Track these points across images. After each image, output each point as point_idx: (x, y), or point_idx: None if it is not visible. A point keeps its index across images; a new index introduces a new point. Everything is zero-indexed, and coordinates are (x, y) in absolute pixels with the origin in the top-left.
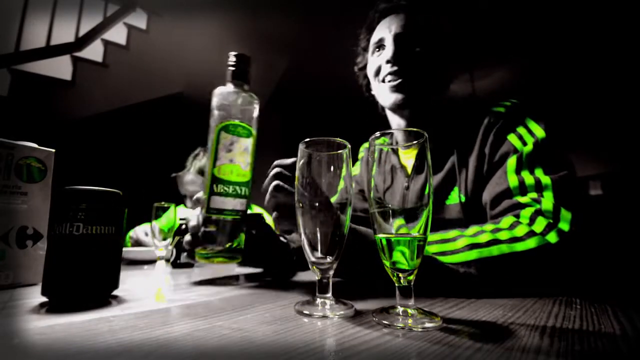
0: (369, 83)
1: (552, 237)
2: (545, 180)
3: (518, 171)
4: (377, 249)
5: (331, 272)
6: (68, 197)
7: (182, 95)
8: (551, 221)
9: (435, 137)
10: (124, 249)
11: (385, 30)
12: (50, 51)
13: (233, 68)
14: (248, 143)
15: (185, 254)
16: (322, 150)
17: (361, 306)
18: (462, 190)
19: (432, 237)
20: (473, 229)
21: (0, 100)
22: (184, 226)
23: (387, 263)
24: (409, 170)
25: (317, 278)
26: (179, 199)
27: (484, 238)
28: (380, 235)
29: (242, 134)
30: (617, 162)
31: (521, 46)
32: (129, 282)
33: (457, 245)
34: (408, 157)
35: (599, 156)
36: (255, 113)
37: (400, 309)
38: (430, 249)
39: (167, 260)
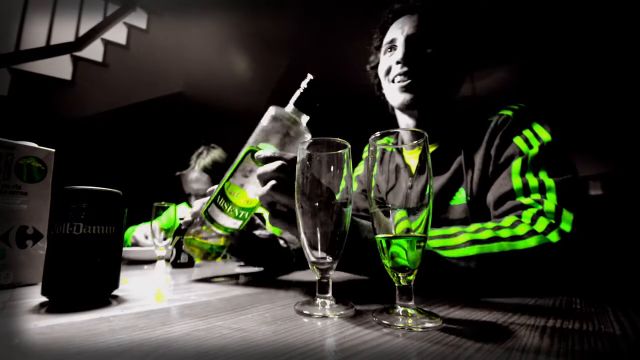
0: (380, 82)
1: (553, 237)
2: (549, 182)
3: (522, 173)
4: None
5: (331, 272)
6: (68, 197)
7: (182, 95)
8: (553, 222)
9: (443, 138)
10: (124, 248)
11: (398, 31)
12: (50, 51)
13: (300, 92)
14: None
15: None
16: (323, 150)
17: (361, 306)
18: (468, 190)
19: (433, 232)
20: (474, 226)
21: (0, 100)
22: (184, 226)
23: (387, 263)
24: (413, 170)
25: (317, 278)
26: (180, 199)
27: (485, 235)
28: (381, 236)
29: None
30: (617, 162)
31: (521, 46)
32: (129, 282)
33: (458, 241)
34: (412, 157)
35: (599, 156)
36: (294, 148)
37: (400, 309)
38: (431, 244)
39: (167, 260)
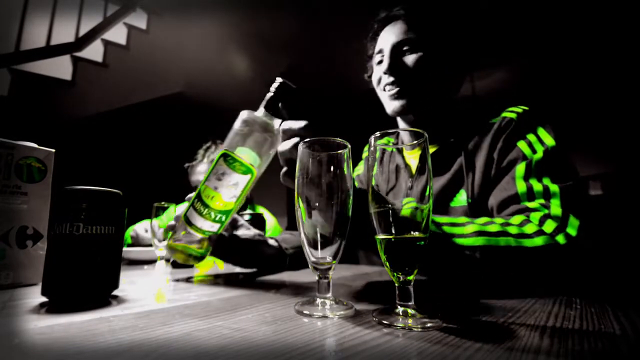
0: None
1: (560, 239)
2: (554, 188)
3: (526, 178)
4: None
5: (331, 272)
6: (68, 197)
7: (182, 95)
8: (560, 225)
9: (443, 138)
10: (124, 248)
11: (384, 41)
12: (50, 51)
13: (270, 94)
14: (240, 179)
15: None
16: (323, 151)
17: (361, 306)
18: (469, 192)
19: (442, 219)
20: (483, 219)
21: (0, 100)
22: (168, 230)
23: (386, 263)
24: (413, 170)
25: (317, 278)
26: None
27: (493, 228)
28: (381, 236)
29: (237, 170)
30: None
31: (521, 46)
32: (129, 282)
33: (465, 230)
34: (412, 157)
35: (599, 156)
36: (271, 151)
37: (400, 309)
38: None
39: (167, 260)
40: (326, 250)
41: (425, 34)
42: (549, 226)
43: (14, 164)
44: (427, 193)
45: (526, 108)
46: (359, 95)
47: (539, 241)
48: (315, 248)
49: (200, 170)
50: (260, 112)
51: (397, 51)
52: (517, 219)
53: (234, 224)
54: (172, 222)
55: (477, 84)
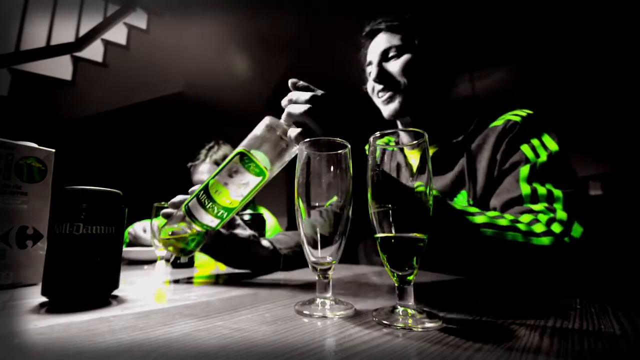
0: None
1: (566, 241)
2: (557, 192)
3: (530, 181)
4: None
5: (331, 272)
6: (68, 197)
7: (182, 95)
8: (565, 229)
9: (442, 139)
10: (124, 248)
11: (371, 53)
12: (50, 51)
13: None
14: (252, 180)
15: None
16: (323, 150)
17: (361, 306)
18: (471, 194)
19: (455, 205)
20: (494, 212)
21: (0, 100)
22: (162, 217)
23: (386, 263)
24: (414, 169)
25: (316, 278)
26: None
27: (502, 222)
28: (380, 235)
29: (251, 171)
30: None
31: (521, 46)
32: (129, 282)
33: (475, 220)
34: (413, 157)
35: (599, 156)
36: (285, 159)
37: (400, 309)
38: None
39: (167, 260)
40: (326, 250)
41: (409, 38)
42: (556, 228)
43: (14, 164)
44: (427, 191)
45: (530, 112)
46: (359, 95)
47: (545, 241)
48: (315, 248)
49: (202, 170)
50: (279, 121)
51: (383, 59)
52: (526, 217)
53: (231, 224)
54: (168, 210)
55: (477, 84)
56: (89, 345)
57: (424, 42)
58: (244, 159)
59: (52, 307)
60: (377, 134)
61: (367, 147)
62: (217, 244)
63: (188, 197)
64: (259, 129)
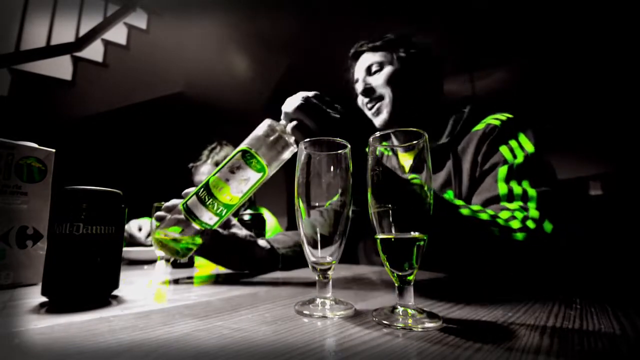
0: None
1: (538, 238)
2: (532, 192)
3: (507, 180)
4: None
5: (331, 272)
6: (68, 197)
7: (182, 95)
8: (537, 226)
9: (430, 143)
10: (124, 248)
11: (357, 72)
12: (50, 51)
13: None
14: (253, 176)
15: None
16: (323, 150)
17: (361, 306)
18: (456, 193)
19: (444, 195)
20: (477, 207)
21: (0, 100)
22: (157, 220)
23: (387, 262)
24: (407, 170)
25: (316, 278)
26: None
27: (483, 216)
28: (380, 236)
29: (253, 167)
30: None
31: (521, 46)
32: (129, 282)
33: (461, 212)
34: (406, 159)
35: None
36: (284, 157)
37: (400, 309)
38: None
39: (167, 260)
40: (326, 250)
41: (390, 54)
42: (530, 225)
43: (14, 164)
44: (425, 188)
45: (510, 116)
46: (359, 95)
47: (520, 236)
48: (315, 248)
49: (204, 171)
50: (278, 122)
51: (367, 74)
52: (505, 214)
53: (227, 224)
54: (162, 213)
55: (477, 84)
56: (89, 345)
57: (405, 56)
58: (246, 155)
59: (52, 307)
60: (377, 134)
61: (367, 148)
62: (214, 244)
63: (182, 200)
64: (260, 129)
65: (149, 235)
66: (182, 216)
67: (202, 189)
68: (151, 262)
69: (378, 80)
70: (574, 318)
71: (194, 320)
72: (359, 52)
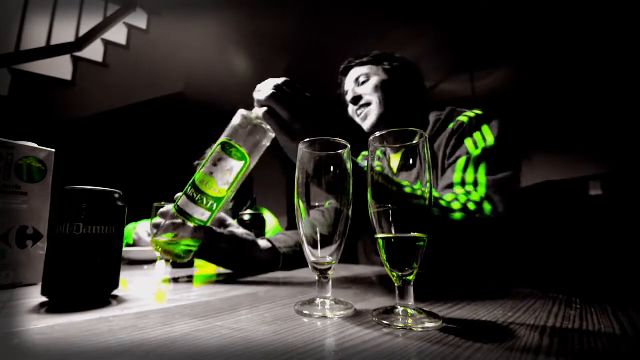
0: None
1: (477, 218)
2: (482, 179)
3: (464, 170)
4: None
5: (331, 272)
6: (68, 197)
7: (182, 95)
8: (477, 208)
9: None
10: (124, 248)
11: (347, 84)
12: (50, 51)
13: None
14: (235, 165)
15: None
16: (323, 150)
17: (361, 306)
18: (435, 186)
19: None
20: (422, 189)
21: (0, 100)
22: (154, 228)
23: (386, 263)
24: (395, 171)
25: (316, 278)
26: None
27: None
28: (381, 236)
29: (234, 157)
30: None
31: (521, 46)
32: (129, 282)
33: (405, 190)
34: (395, 160)
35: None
36: (263, 143)
37: (400, 309)
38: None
39: (167, 261)
40: (326, 250)
41: (376, 67)
42: (471, 206)
43: (14, 164)
44: (417, 186)
45: (479, 112)
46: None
47: (458, 216)
48: (315, 248)
49: None
50: (252, 111)
51: (356, 85)
52: (449, 196)
53: (224, 224)
54: (158, 220)
55: (477, 84)
56: (89, 345)
57: (389, 68)
58: (226, 146)
59: (52, 307)
60: (377, 134)
61: (364, 154)
62: (213, 245)
63: (174, 203)
64: (235, 120)
65: None
66: (176, 219)
67: (190, 187)
68: (151, 262)
69: (366, 89)
70: (574, 318)
71: (194, 320)
72: (348, 68)
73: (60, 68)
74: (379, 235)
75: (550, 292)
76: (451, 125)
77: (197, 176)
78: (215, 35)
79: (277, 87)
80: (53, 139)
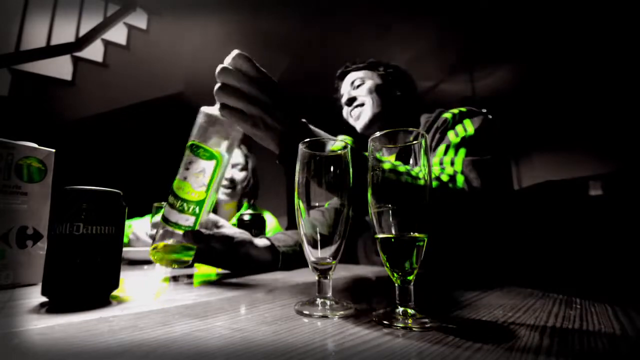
0: None
1: (450, 187)
2: (458, 160)
3: (444, 154)
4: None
5: (331, 273)
6: (68, 197)
7: (182, 95)
8: (450, 179)
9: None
10: (124, 248)
11: (342, 88)
12: (50, 51)
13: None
14: (206, 165)
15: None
16: (322, 150)
17: (361, 306)
18: None
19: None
20: (398, 162)
21: (0, 100)
22: (150, 239)
23: (386, 262)
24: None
25: (316, 278)
26: None
27: (401, 169)
28: (380, 236)
29: (202, 156)
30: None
31: (521, 46)
32: (129, 282)
33: (384, 166)
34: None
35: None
36: (233, 135)
37: (400, 309)
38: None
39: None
40: (326, 250)
41: (371, 72)
42: (444, 178)
43: (14, 164)
44: (421, 183)
45: (463, 110)
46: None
47: (434, 184)
48: (315, 248)
49: None
50: (213, 108)
51: (351, 88)
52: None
53: (216, 225)
54: (151, 232)
55: (477, 84)
56: (89, 345)
57: (384, 73)
58: (193, 148)
59: (52, 307)
60: (377, 134)
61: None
62: (208, 247)
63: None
64: (198, 120)
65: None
66: (166, 228)
67: (169, 196)
68: (151, 262)
69: (361, 91)
70: (574, 318)
71: (194, 320)
72: (345, 72)
73: (60, 68)
74: (379, 235)
75: (550, 292)
76: (436, 123)
77: (174, 183)
78: (215, 35)
79: (223, 77)
80: (53, 139)
